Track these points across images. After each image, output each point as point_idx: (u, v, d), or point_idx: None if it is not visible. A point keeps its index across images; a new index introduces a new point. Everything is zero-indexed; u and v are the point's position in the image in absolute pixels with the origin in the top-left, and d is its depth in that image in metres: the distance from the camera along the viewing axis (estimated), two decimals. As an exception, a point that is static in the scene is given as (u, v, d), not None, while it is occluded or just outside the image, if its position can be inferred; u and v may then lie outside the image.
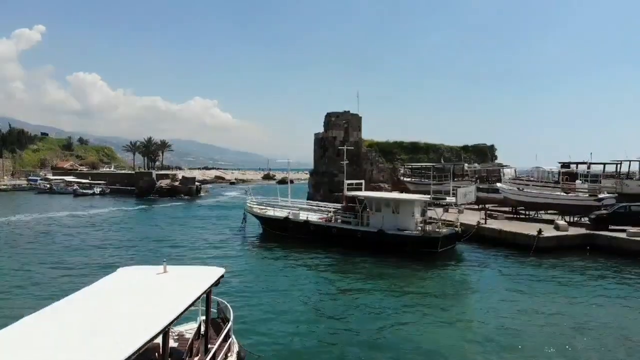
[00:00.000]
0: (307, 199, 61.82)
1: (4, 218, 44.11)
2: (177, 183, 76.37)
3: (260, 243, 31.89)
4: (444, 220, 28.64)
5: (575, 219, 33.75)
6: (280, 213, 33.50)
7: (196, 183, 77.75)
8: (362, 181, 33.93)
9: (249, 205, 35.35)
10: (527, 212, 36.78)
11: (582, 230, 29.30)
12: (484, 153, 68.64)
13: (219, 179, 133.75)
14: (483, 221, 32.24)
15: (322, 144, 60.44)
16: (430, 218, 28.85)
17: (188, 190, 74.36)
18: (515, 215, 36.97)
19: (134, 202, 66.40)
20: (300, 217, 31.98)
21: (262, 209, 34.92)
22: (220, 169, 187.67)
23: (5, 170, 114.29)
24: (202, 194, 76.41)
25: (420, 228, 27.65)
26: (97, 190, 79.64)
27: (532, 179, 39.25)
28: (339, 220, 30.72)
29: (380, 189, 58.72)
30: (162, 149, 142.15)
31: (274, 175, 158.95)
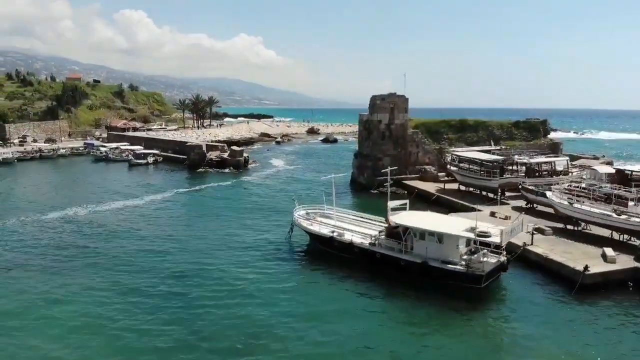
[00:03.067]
0: (351, 180, 62.41)
1: (59, 213, 45.55)
2: (226, 155, 78.45)
3: (306, 262, 33.11)
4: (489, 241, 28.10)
5: (627, 238, 33.02)
6: (326, 230, 34.40)
7: (244, 155, 79.50)
8: (407, 201, 33.94)
9: (296, 217, 36.36)
10: (577, 221, 36.04)
11: (630, 263, 28.70)
12: (537, 129, 66.41)
13: (265, 136, 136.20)
14: (529, 240, 32.13)
15: (366, 126, 59.99)
16: (476, 247, 28.68)
17: (236, 162, 76.39)
18: (564, 226, 36.46)
19: (185, 177, 69.65)
20: (345, 237, 32.81)
21: (308, 223, 35.89)
22: (266, 120, 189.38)
23: (63, 132, 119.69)
24: (249, 166, 78.34)
25: (464, 262, 27.89)
26: (151, 159, 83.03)
27: (584, 181, 38.70)
28: (382, 245, 31.31)
29: (426, 172, 58.55)
30: (209, 106, 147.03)
31: (318, 130, 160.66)
